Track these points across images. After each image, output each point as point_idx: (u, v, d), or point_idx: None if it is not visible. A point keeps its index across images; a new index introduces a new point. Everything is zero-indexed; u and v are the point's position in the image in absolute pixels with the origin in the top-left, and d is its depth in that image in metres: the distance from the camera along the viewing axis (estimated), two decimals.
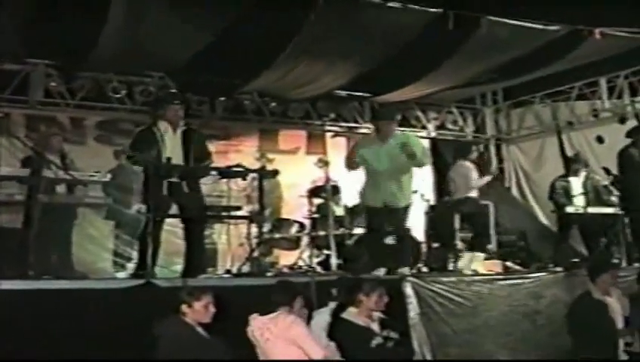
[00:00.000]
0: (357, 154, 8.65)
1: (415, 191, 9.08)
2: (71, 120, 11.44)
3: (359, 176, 8.78)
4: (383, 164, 8.42)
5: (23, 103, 11.07)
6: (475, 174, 10.42)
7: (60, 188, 7.96)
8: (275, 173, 8.49)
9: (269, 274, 8.30)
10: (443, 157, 13.63)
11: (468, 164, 10.58)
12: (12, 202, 8.09)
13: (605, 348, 7.10)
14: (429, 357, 7.36)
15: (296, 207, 11.02)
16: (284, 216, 10.95)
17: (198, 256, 7.69)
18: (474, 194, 10.40)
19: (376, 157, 8.46)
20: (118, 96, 11.56)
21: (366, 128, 13.40)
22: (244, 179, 8.48)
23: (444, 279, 8.08)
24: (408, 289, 7.53)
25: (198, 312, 5.68)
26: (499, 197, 12.31)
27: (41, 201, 7.08)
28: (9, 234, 7.89)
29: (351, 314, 6.50)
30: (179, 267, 7.92)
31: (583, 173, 10.56)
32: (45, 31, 9.65)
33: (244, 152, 12.12)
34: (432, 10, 9.61)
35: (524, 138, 14.45)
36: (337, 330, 6.29)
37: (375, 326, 6.52)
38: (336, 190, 9.90)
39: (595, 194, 10.36)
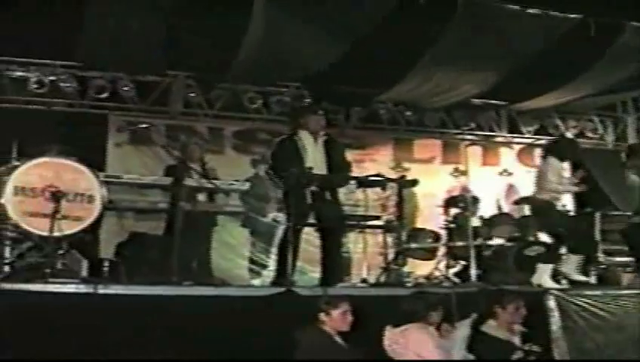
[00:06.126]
0: None
1: None
2: (209, 130, 11.64)
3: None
4: None
5: (164, 114, 11.40)
6: None
7: (201, 196, 8.15)
8: (415, 182, 8.46)
9: (407, 284, 8.22)
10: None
11: None
12: (155, 210, 8.39)
13: None
14: None
15: (430, 217, 10.86)
16: (419, 225, 10.84)
17: (335, 264, 7.70)
18: None
19: None
20: (254, 106, 11.72)
21: (502, 137, 13.18)
22: (384, 189, 8.46)
23: (589, 293, 7.77)
24: (551, 303, 7.27)
25: (336, 320, 5.67)
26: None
27: (184, 209, 7.26)
28: (152, 240, 8.12)
29: (491, 326, 6.35)
30: (314, 275, 7.95)
31: None
32: (185, 44, 9.91)
33: (379, 161, 12.10)
34: (572, 16, 9.37)
35: None
36: (477, 343, 6.12)
37: (516, 340, 6.37)
38: (475, 200, 9.70)
39: None
